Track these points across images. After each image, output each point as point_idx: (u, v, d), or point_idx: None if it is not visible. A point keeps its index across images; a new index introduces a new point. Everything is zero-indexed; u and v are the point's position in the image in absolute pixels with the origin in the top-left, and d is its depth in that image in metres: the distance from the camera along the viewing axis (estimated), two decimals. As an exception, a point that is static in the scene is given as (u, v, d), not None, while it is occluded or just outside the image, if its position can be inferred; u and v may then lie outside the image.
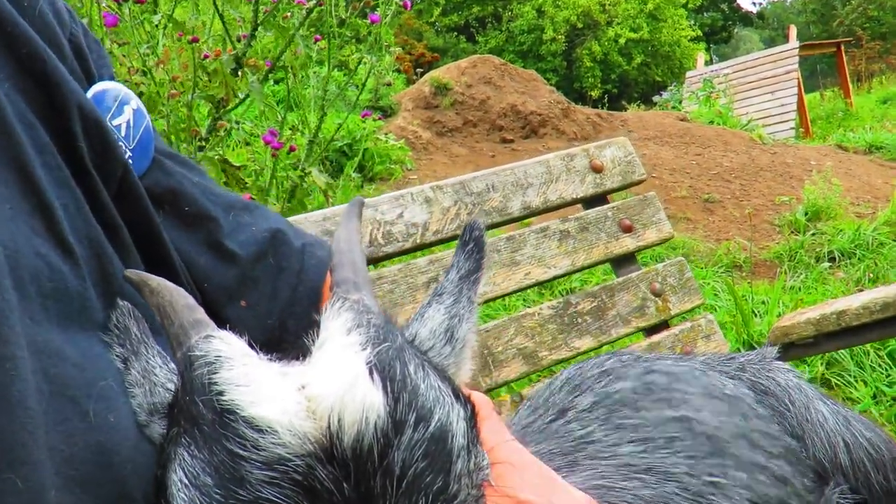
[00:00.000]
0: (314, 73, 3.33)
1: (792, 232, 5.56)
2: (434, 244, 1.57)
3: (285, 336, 0.90)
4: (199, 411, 0.57)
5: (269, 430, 0.53)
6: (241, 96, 2.78)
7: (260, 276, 0.92)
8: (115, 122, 0.84)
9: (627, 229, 1.78)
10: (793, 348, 1.68)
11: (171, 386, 0.69)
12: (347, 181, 5.60)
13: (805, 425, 1.09)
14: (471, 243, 0.77)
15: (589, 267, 1.76)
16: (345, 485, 0.51)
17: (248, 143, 4.40)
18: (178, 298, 0.68)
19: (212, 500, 0.53)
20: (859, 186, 6.87)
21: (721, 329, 1.86)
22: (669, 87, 14.52)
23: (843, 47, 14.51)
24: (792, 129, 10.76)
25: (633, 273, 1.77)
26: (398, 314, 1.41)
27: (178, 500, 0.55)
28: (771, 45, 21.07)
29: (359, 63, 3.18)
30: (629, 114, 10.72)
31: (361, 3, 2.93)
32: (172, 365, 0.71)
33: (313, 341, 0.61)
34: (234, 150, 4.82)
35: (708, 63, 16.35)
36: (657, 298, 1.76)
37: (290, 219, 1.31)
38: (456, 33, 28.11)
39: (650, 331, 1.77)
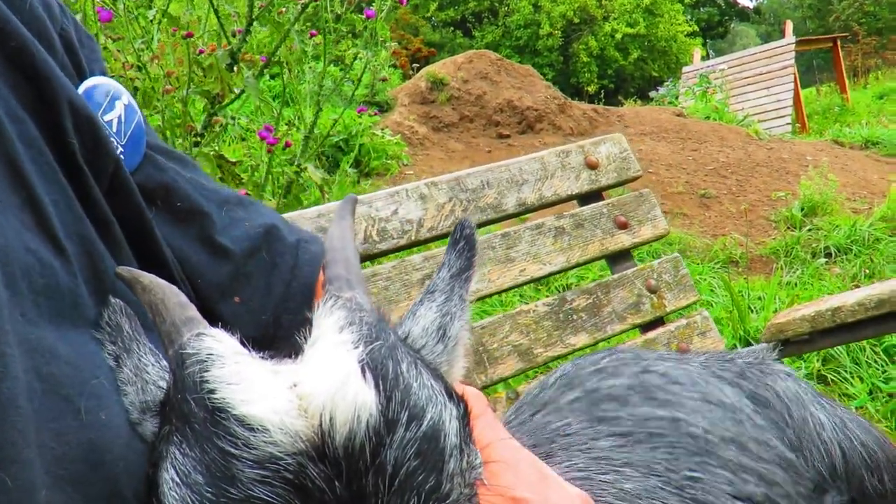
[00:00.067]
0: (310, 68, 3.33)
1: (788, 227, 5.57)
2: (429, 241, 1.57)
3: (279, 332, 0.90)
4: (191, 409, 0.56)
5: (260, 428, 0.52)
6: (237, 92, 2.77)
7: (253, 271, 0.92)
8: (107, 118, 0.83)
9: (623, 226, 1.78)
10: (788, 345, 1.68)
11: (163, 384, 0.68)
12: (343, 177, 5.60)
13: (803, 437, 1.08)
14: (461, 241, 0.76)
15: (584, 263, 1.76)
16: (336, 483, 0.51)
17: (243, 139, 4.39)
18: (170, 296, 0.68)
19: (203, 498, 0.53)
20: (855, 182, 6.87)
21: (717, 325, 1.86)
22: (666, 83, 14.52)
23: (839, 43, 14.50)
24: (788, 124, 10.78)
25: (629, 270, 1.77)
26: (393, 311, 1.41)
27: (169, 498, 0.55)
28: (767, 41, 21.08)
29: (355, 58, 3.17)
30: (625, 109, 10.73)
31: (357, -2, 2.93)
32: (164, 362, 0.70)
33: (305, 339, 0.61)
34: (229, 145, 4.81)
35: (704, 58, 16.32)
36: (653, 295, 1.76)
37: (286, 215, 1.30)
38: (452, 28, 28.06)
39: (646, 327, 1.77)
